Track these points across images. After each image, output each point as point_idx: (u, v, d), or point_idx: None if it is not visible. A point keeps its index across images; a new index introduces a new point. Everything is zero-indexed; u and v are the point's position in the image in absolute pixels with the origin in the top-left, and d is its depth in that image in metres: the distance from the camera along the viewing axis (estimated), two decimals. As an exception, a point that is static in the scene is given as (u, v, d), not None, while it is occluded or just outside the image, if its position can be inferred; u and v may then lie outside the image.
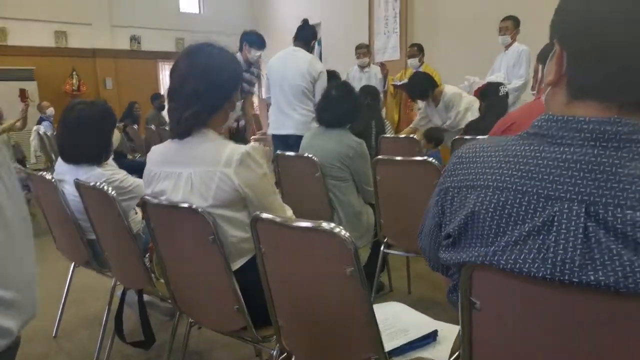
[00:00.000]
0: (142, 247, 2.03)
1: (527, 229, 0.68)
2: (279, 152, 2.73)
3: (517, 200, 0.70)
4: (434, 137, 4.06)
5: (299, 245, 1.13)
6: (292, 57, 3.53)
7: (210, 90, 1.37)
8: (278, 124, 3.60)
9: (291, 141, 3.41)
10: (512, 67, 4.39)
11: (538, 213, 0.68)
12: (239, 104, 1.46)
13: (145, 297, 2.00)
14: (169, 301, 1.70)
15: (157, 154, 1.51)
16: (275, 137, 3.68)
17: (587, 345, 0.69)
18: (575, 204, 0.65)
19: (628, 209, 0.62)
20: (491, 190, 0.73)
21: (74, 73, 8.71)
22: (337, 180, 2.50)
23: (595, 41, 0.66)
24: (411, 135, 3.92)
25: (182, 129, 1.40)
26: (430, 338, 1.47)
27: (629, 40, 0.64)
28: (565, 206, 0.66)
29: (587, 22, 0.67)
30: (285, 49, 3.63)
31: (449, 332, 1.47)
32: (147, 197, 1.48)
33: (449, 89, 4.13)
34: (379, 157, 2.27)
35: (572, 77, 0.71)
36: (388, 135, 3.90)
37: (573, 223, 0.65)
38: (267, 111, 3.85)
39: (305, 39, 3.58)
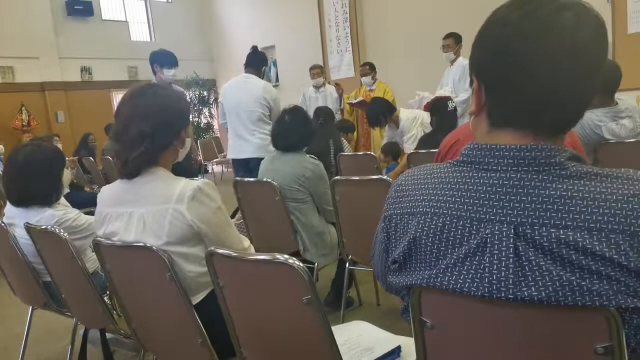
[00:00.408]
0: (101, 285, 1.98)
1: (464, 251, 0.72)
2: (237, 178, 2.73)
3: (453, 225, 0.74)
4: (391, 150, 4.16)
5: (256, 278, 1.14)
6: (244, 84, 3.59)
7: (157, 130, 1.37)
8: (237, 149, 3.65)
9: (252, 164, 3.44)
10: (458, 81, 4.57)
11: (472, 236, 0.72)
12: (189, 140, 1.45)
13: (109, 335, 1.95)
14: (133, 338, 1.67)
15: (107, 194, 1.49)
16: (235, 161, 3.71)
17: (527, 357, 0.73)
18: (505, 225, 0.70)
19: (552, 227, 0.67)
20: (429, 216, 0.77)
21: (23, 108, 8.43)
22: (297, 202, 2.52)
23: (506, 76, 0.72)
24: (370, 153, 4.00)
25: (130, 170, 1.38)
26: (394, 354, 1.49)
27: (534, 75, 0.69)
28: (496, 228, 0.70)
29: (498, 59, 0.72)
30: (236, 76, 3.68)
31: (412, 346, 1.50)
32: (99, 238, 1.45)
33: (403, 115, 4.23)
34: (337, 177, 2.31)
35: (490, 108, 0.76)
36: (347, 153, 3.96)
37: (504, 243, 0.69)
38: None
39: (256, 65, 3.65)
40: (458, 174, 0.77)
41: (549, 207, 0.68)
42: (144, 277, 1.43)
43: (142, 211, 1.37)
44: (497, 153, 0.73)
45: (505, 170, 0.72)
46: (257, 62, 3.66)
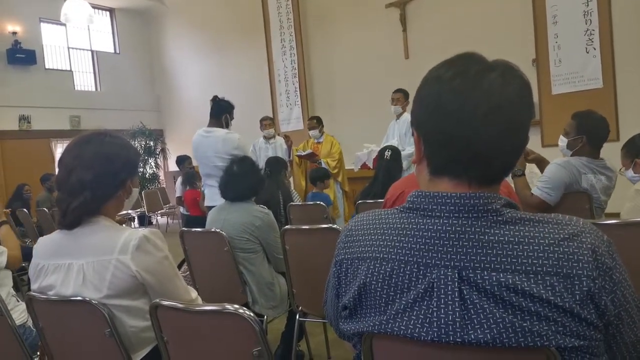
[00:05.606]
0: (30, 344, 1.82)
1: (412, 296, 0.74)
2: (184, 229, 2.66)
3: (401, 270, 0.76)
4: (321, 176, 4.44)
5: (204, 330, 1.10)
6: (206, 140, 3.56)
7: (100, 179, 1.33)
8: (213, 196, 3.61)
9: None
10: (405, 136, 4.77)
11: (420, 280, 0.74)
12: (135, 190, 1.42)
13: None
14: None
15: (45, 245, 1.40)
16: (210, 208, 3.70)
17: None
18: (449, 269, 0.72)
19: (492, 271, 0.70)
20: (378, 261, 0.78)
21: (-48, 157, 7.93)
22: (247, 253, 2.47)
23: (439, 129, 0.77)
24: (319, 203, 4.03)
25: (70, 220, 1.32)
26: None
27: (462, 129, 0.74)
28: (442, 272, 0.72)
29: (432, 113, 0.77)
30: (200, 129, 3.65)
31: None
32: (33, 292, 1.35)
33: None
34: (287, 227, 2.31)
35: (429, 158, 0.81)
36: (296, 203, 3.98)
37: (449, 287, 0.71)
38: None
39: (217, 115, 3.62)
40: (405, 220, 0.79)
41: (488, 251, 0.71)
42: (82, 334, 1.33)
43: (82, 262, 1.30)
44: (439, 200, 0.76)
45: (447, 216, 0.75)
46: (217, 111, 3.63)
